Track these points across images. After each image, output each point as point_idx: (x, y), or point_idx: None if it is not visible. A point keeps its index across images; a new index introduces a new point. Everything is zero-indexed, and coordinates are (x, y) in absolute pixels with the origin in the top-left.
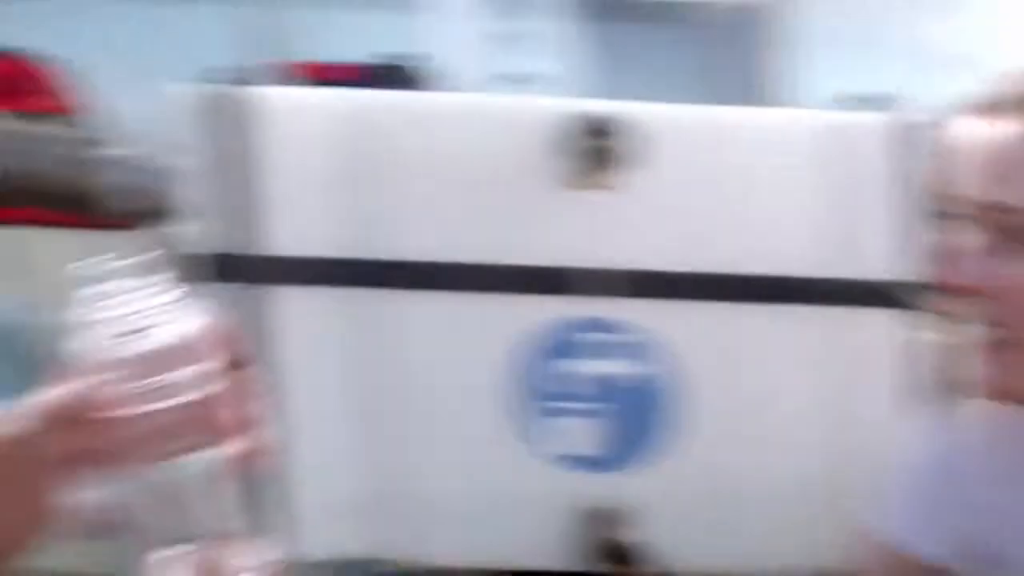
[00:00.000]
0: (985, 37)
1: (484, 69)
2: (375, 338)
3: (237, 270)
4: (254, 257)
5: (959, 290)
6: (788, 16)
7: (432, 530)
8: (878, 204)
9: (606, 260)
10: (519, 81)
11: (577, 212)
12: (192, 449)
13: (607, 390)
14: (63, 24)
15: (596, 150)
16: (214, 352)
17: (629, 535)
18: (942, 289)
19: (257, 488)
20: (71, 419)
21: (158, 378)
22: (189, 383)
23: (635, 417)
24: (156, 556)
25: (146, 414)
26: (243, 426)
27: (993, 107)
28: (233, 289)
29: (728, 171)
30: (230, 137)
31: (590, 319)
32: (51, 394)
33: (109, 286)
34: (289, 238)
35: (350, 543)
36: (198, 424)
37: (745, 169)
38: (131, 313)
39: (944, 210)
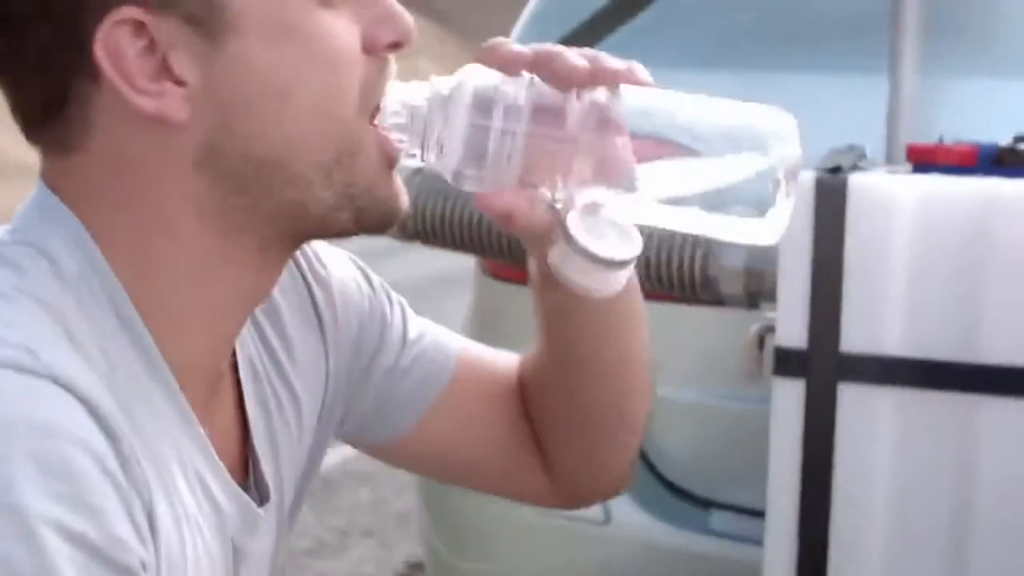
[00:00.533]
0: None
1: None
2: (937, 444)
3: (805, 364)
4: (827, 352)
5: None
6: None
7: None
8: None
9: None
10: None
11: None
12: None
13: None
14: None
15: None
16: None
17: None
18: None
19: None
20: None
21: None
22: None
23: None
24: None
25: None
26: None
27: None
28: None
29: None
30: (821, 224)
31: None
32: None
33: None
34: (862, 335)
35: None
36: None
37: None
38: None
39: None
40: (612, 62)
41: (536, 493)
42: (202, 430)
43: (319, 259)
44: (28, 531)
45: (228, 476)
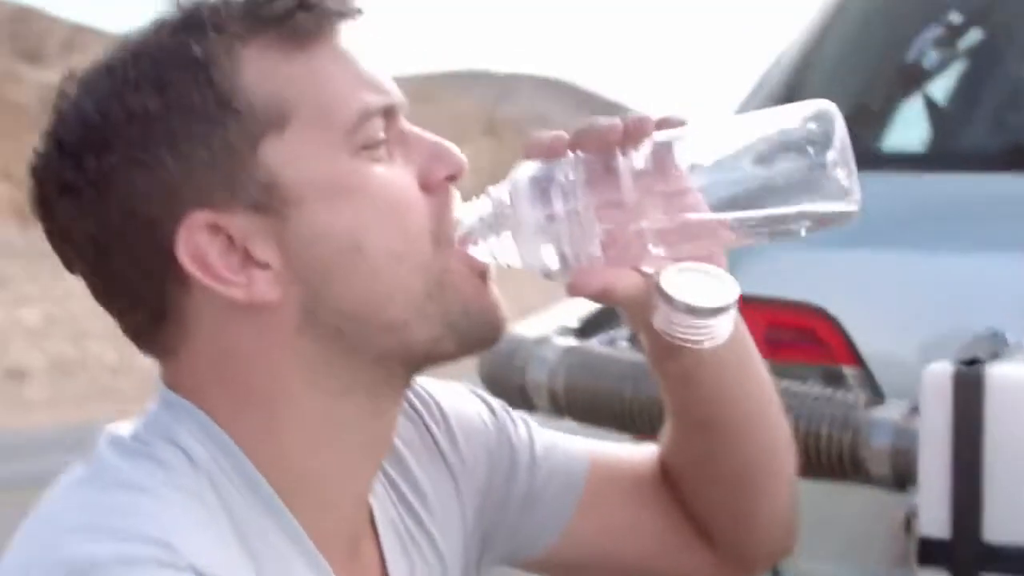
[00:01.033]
0: None
1: None
2: None
3: (948, 554)
4: (969, 541)
5: None
6: None
7: None
8: None
9: None
10: None
11: None
12: None
13: None
14: (817, 272)
15: None
16: None
17: None
18: None
19: None
20: None
21: None
22: None
23: None
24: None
25: None
26: None
27: None
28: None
29: None
30: (960, 415)
31: None
32: None
33: None
34: (1004, 524)
35: None
36: None
37: None
38: None
39: None
40: (642, 115)
41: (705, 569)
42: None
43: (430, 395)
44: None
45: None
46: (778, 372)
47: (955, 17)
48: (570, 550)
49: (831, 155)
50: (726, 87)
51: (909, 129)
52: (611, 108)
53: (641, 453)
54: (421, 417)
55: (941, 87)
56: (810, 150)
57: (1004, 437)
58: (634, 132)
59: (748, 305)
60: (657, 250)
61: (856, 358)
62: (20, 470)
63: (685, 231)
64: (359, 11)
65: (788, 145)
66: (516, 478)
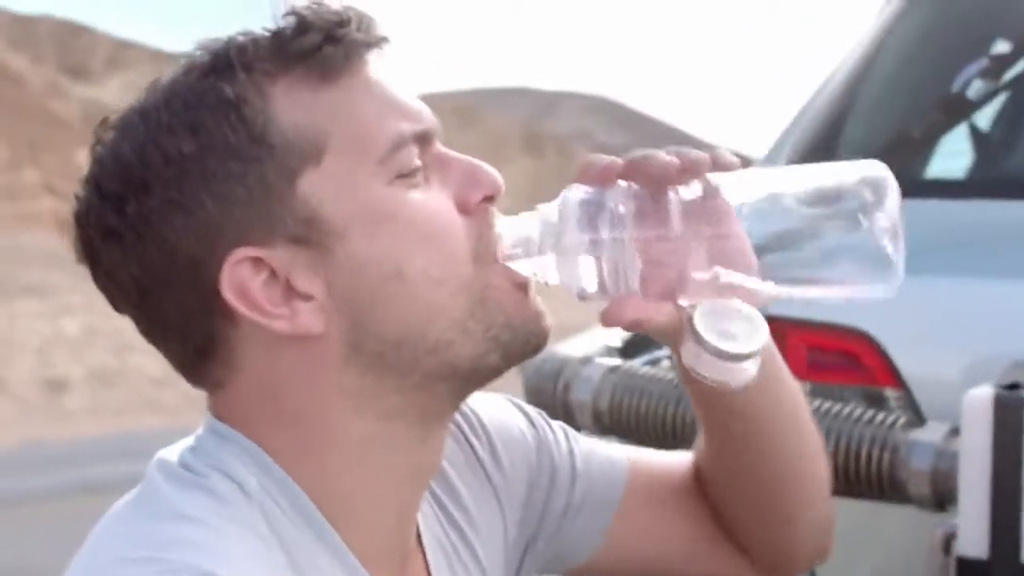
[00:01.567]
0: None
1: None
2: None
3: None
4: (1008, 563)
5: None
6: None
7: None
8: None
9: None
10: None
11: None
12: None
13: None
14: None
15: None
16: None
17: None
18: None
19: None
20: None
21: None
22: None
23: None
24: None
25: None
26: None
27: None
28: None
29: None
30: (1000, 438)
31: None
32: None
33: None
34: None
35: None
36: None
37: None
38: None
39: None
40: (698, 153)
41: (740, 574)
42: None
43: (471, 408)
44: None
45: None
46: (820, 394)
47: (1002, 47)
48: (609, 556)
49: (882, 221)
50: (769, 107)
51: (953, 158)
52: (654, 126)
53: (676, 460)
54: (462, 431)
55: (986, 116)
56: (861, 217)
57: None
58: (689, 171)
59: (791, 328)
60: (695, 287)
61: (898, 380)
62: (61, 480)
63: (723, 288)
64: (386, 40)
65: (840, 203)
66: (557, 489)
